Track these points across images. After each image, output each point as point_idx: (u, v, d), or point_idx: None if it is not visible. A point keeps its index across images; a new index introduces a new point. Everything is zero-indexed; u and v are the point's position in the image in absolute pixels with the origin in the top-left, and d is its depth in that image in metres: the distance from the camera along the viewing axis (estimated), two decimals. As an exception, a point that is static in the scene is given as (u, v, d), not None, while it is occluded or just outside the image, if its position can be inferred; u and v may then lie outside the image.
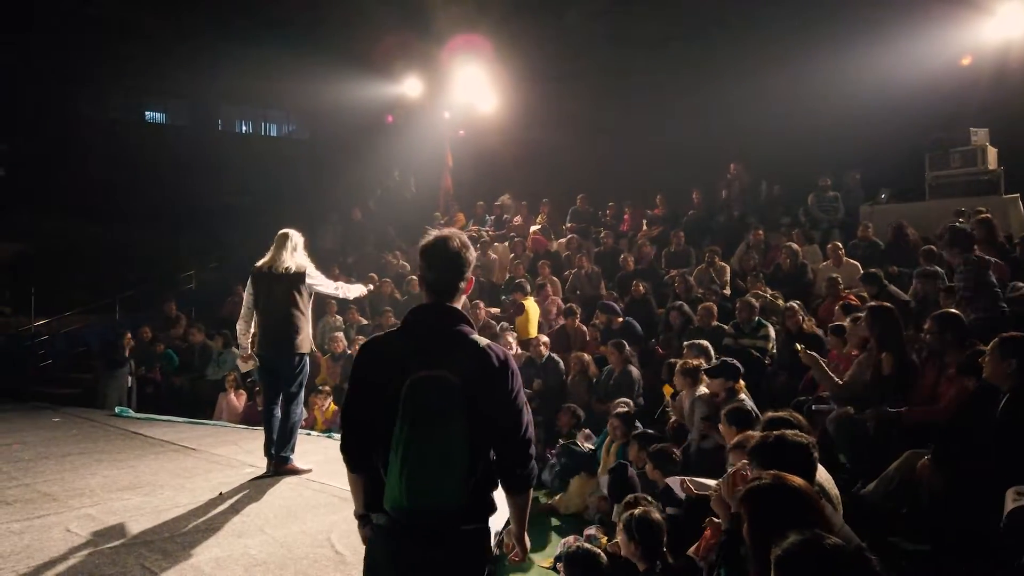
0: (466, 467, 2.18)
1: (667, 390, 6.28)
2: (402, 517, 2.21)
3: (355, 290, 6.38)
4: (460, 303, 2.48)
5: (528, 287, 10.23)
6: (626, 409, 6.33)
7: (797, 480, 2.51)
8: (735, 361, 5.90)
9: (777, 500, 2.39)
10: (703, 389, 5.82)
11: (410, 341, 2.34)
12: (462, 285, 2.44)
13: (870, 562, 1.95)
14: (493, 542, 2.53)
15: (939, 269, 7.35)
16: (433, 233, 2.47)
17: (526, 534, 2.57)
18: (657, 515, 3.89)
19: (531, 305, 9.80)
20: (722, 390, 5.66)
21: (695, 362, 5.98)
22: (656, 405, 7.36)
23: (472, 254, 2.49)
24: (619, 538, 3.92)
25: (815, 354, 5.76)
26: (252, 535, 4.14)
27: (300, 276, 5.62)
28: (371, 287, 7.85)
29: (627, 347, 7.80)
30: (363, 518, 2.44)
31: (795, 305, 7.63)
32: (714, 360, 6.16)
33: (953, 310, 5.52)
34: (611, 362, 7.81)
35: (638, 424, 6.27)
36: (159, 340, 11.29)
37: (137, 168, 15.77)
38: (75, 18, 14.73)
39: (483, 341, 2.35)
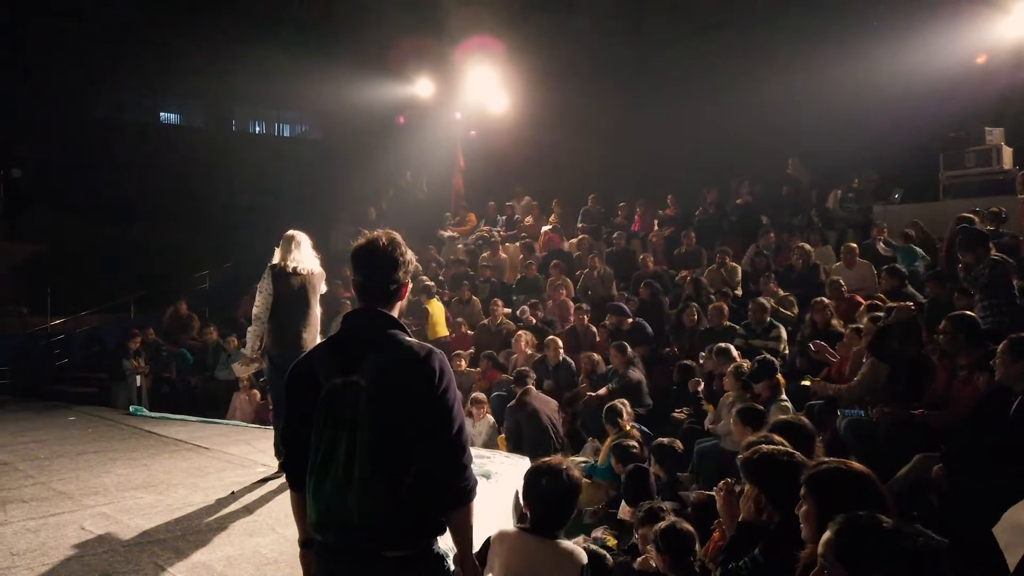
0: (378, 480, 2.01)
1: (710, 408, 6.50)
2: (319, 535, 2.11)
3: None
4: (396, 309, 2.30)
5: (434, 290, 10.34)
6: (609, 404, 6.52)
7: (857, 465, 2.60)
8: (768, 357, 6.08)
9: (842, 483, 2.49)
10: None
11: (334, 351, 2.21)
12: (393, 287, 2.27)
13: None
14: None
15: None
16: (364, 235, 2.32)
17: (474, 558, 2.28)
18: (686, 524, 3.87)
19: (434, 307, 9.98)
20: (767, 390, 5.81)
21: (748, 365, 6.08)
22: (666, 405, 7.40)
23: (405, 254, 2.29)
24: (650, 553, 3.90)
25: (815, 379, 6.12)
26: (264, 534, 4.15)
27: (319, 277, 5.65)
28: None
29: (629, 349, 7.79)
30: (304, 545, 2.30)
31: (824, 300, 7.58)
32: (739, 362, 6.36)
33: (968, 312, 5.47)
34: (613, 363, 7.82)
35: (632, 422, 6.56)
36: (170, 340, 11.38)
37: (152, 169, 15.88)
38: (91, 21, 14.86)
39: (407, 341, 2.18)
